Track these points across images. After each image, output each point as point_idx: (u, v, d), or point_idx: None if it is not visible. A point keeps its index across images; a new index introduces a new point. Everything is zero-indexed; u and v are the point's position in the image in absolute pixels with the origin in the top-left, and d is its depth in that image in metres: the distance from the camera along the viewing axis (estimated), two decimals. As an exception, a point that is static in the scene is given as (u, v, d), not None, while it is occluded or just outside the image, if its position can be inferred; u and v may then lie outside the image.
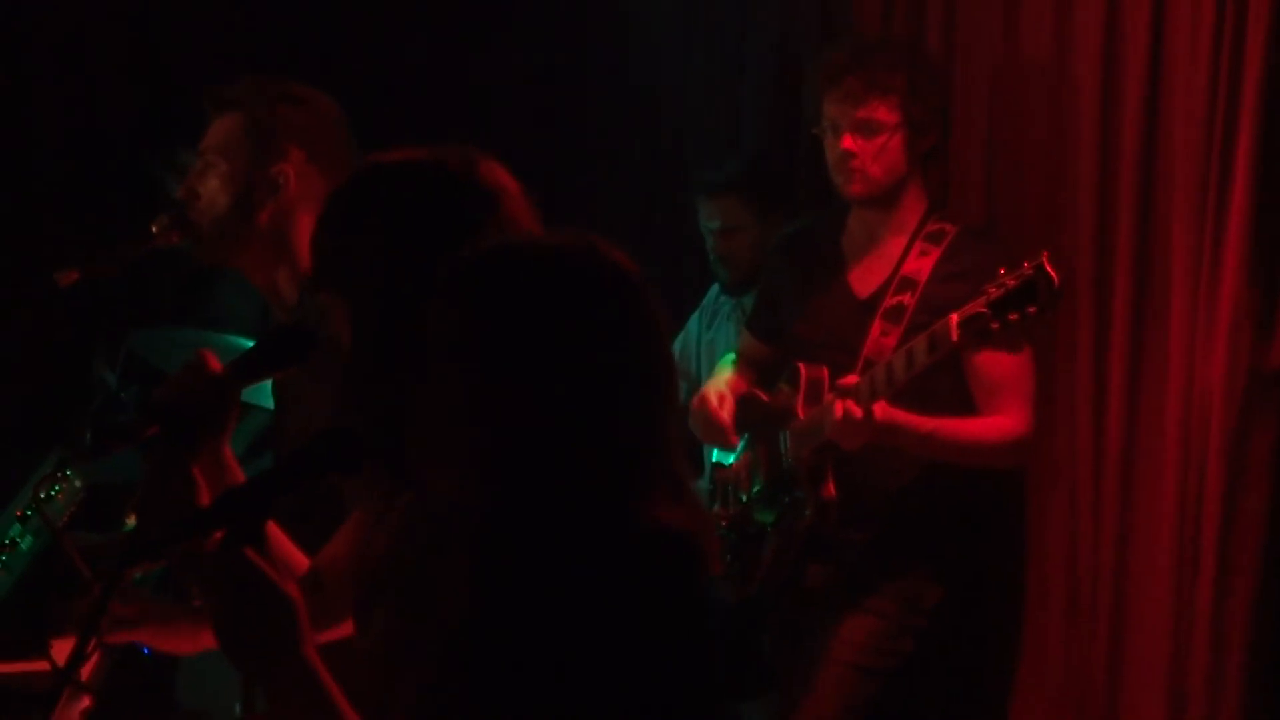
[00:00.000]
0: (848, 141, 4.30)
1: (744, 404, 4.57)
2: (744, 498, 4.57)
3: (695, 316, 5.57)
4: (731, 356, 4.83)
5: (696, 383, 5.41)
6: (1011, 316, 3.83)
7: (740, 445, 4.64)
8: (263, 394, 4.78)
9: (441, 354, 2.24)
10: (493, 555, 2.20)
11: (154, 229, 3.71)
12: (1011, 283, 3.84)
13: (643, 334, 2.26)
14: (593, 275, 2.26)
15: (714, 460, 4.79)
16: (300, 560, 2.89)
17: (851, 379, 4.12)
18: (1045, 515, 4.80)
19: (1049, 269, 3.81)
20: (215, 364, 2.78)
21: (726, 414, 4.55)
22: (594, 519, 2.18)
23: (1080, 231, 4.69)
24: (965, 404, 4.26)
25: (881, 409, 4.06)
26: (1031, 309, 3.81)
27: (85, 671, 3.32)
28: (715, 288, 5.50)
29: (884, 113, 4.28)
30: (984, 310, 3.86)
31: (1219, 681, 4.46)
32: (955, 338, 3.91)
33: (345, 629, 2.66)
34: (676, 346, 5.54)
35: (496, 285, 2.24)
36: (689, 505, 2.28)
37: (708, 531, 2.30)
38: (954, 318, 3.92)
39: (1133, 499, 4.67)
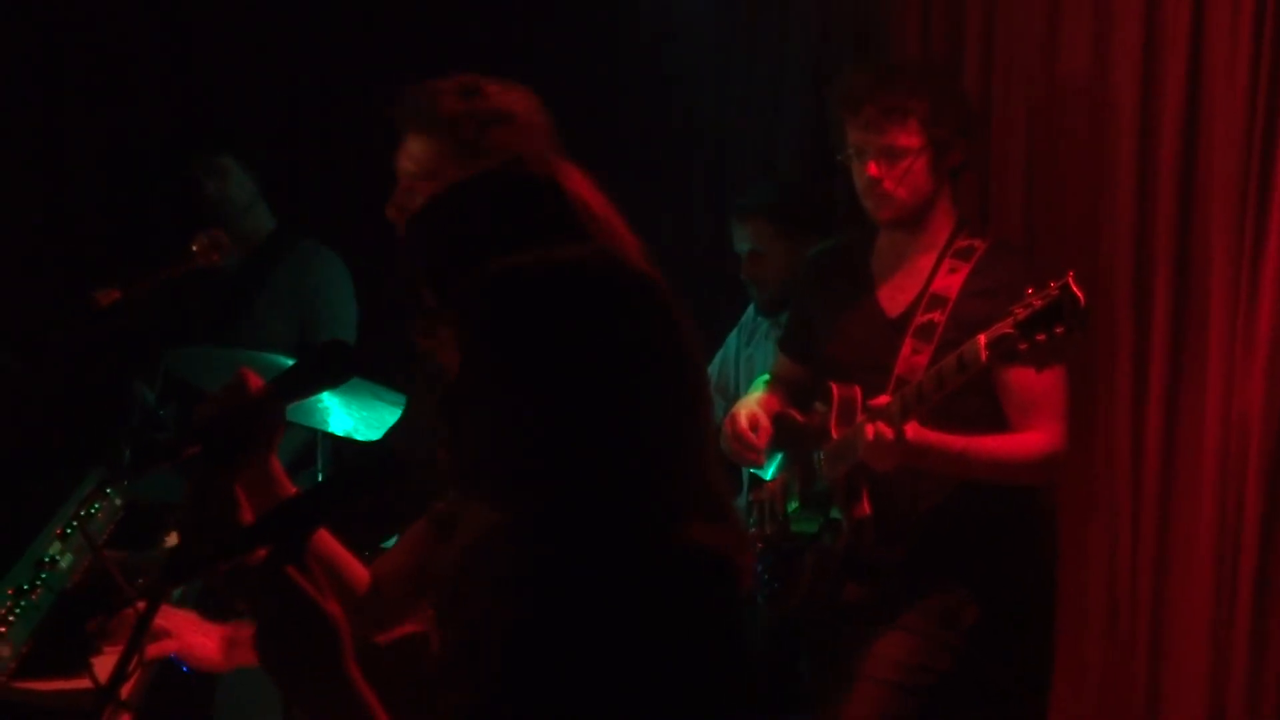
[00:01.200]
0: (872, 168, 4.30)
1: (778, 423, 4.57)
2: (780, 517, 4.57)
3: (734, 334, 5.59)
4: (765, 376, 4.83)
5: (735, 400, 5.41)
6: (1039, 337, 3.82)
7: (775, 464, 4.64)
8: (303, 411, 4.81)
9: (471, 371, 2.24)
10: (532, 575, 2.19)
11: (193, 248, 3.72)
12: (1038, 303, 3.83)
13: (671, 349, 2.26)
14: (618, 288, 2.25)
15: (752, 476, 4.79)
16: (359, 570, 2.89)
17: (883, 400, 4.12)
18: (1084, 537, 4.79)
19: (1075, 289, 3.79)
20: (256, 382, 2.78)
21: (760, 435, 4.54)
22: (629, 538, 2.17)
23: (1119, 250, 4.68)
24: (997, 422, 4.25)
25: (913, 430, 4.05)
26: (1059, 329, 3.80)
27: (125, 690, 3.32)
28: (751, 309, 5.52)
29: (905, 138, 4.28)
30: (1011, 331, 3.85)
31: (1257, 705, 4.44)
32: (984, 358, 3.91)
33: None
34: (715, 364, 5.55)
35: (520, 300, 2.23)
36: (727, 523, 2.27)
37: (745, 549, 2.29)
38: (982, 339, 3.91)
39: (1171, 522, 4.66)
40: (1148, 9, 4.64)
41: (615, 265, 2.27)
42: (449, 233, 2.54)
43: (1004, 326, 3.87)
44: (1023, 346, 3.84)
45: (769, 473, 4.71)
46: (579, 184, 2.57)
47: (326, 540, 2.81)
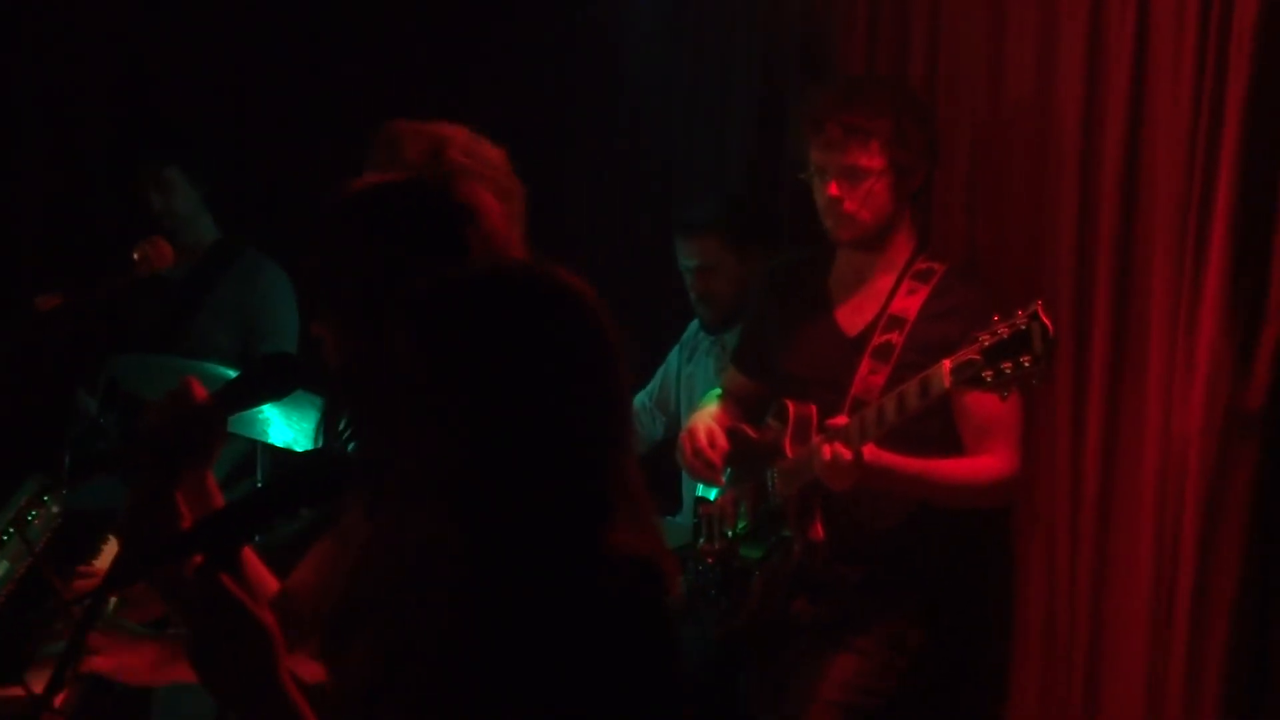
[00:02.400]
0: (834, 188, 4.30)
1: (730, 439, 4.57)
2: (730, 533, 4.56)
3: (675, 351, 5.58)
4: (717, 391, 4.83)
5: (676, 417, 5.42)
6: (1005, 365, 3.80)
7: (724, 480, 4.64)
8: (243, 422, 4.79)
9: (397, 385, 2.24)
10: (460, 587, 2.20)
11: (135, 256, 3.71)
12: (1005, 331, 3.80)
13: (597, 358, 2.27)
14: (542, 299, 2.26)
15: (698, 495, 4.79)
16: (270, 582, 2.89)
17: (841, 420, 4.12)
18: (1023, 555, 4.81)
19: (1044, 318, 3.78)
20: (200, 392, 2.78)
21: (715, 452, 4.53)
22: (555, 545, 2.18)
23: (1060, 271, 4.70)
24: (953, 445, 4.27)
25: (870, 451, 4.05)
26: (1025, 358, 3.78)
27: (59, 699, 3.30)
28: (695, 322, 5.51)
29: (867, 159, 4.28)
30: (977, 357, 3.83)
31: (1193, 718, 4.46)
32: (948, 384, 3.90)
33: (315, 672, 2.66)
34: (656, 380, 5.54)
35: (445, 314, 2.24)
36: (647, 530, 2.28)
37: (666, 556, 2.30)
38: (947, 364, 3.89)
39: (1110, 540, 4.68)
40: (1091, 33, 4.66)
41: (539, 275, 2.28)
42: (349, 242, 2.56)
43: (970, 353, 3.85)
44: (987, 374, 3.82)
45: (713, 492, 4.71)
46: (482, 201, 2.59)
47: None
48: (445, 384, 2.20)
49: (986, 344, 3.82)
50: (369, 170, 3.41)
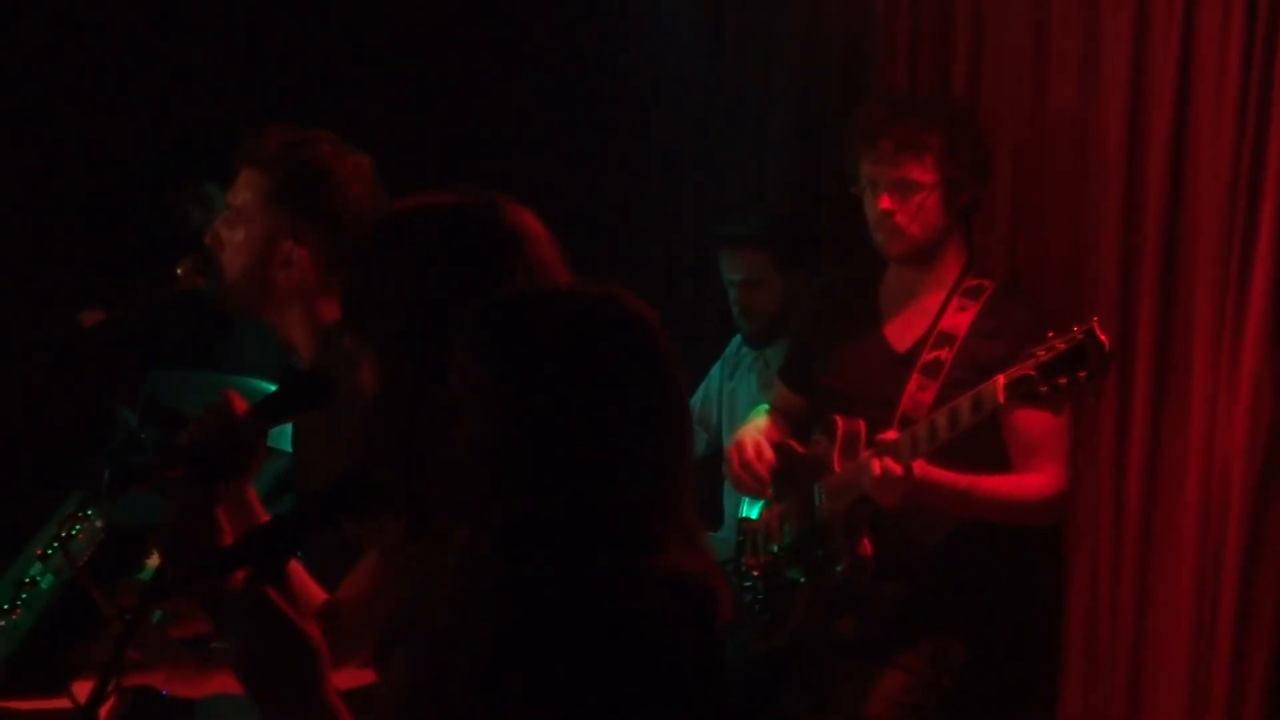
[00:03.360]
0: (885, 201, 4.29)
1: (777, 453, 4.55)
2: (775, 549, 4.55)
3: (717, 367, 5.58)
4: (764, 406, 4.82)
5: (717, 433, 5.41)
6: (1060, 380, 3.79)
7: (770, 494, 4.62)
8: (284, 438, 4.80)
9: (462, 399, 2.24)
10: (510, 604, 2.19)
11: (179, 271, 3.72)
12: (1061, 346, 3.80)
13: (662, 385, 2.26)
14: (615, 324, 2.26)
15: (741, 515, 4.78)
16: (318, 595, 2.89)
17: (891, 434, 4.11)
18: (1066, 571, 4.79)
19: (1099, 334, 3.78)
20: (240, 405, 2.79)
21: (764, 465, 4.52)
22: (611, 565, 2.17)
23: (1103, 287, 4.68)
24: (1002, 462, 4.25)
25: (920, 466, 4.04)
26: (1081, 374, 3.78)
27: (103, 711, 3.32)
28: (738, 338, 5.51)
29: (919, 173, 4.27)
30: (1032, 373, 3.83)
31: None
32: (1002, 399, 3.89)
33: (365, 675, 2.66)
34: (698, 397, 5.54)
35: (519, 331, 2.24)
36: (700, 552, 2.27)
37: (719, 578, 2.29)
38: (1001, 380, 3.88)
39: (1152, 556, 4.66)
40: (1135, 48, 4.64)
41: (606, 297, 2.28)
42: (394, 262, 2.55)
43: (1025, 368, 3.84)
44: (1043, 389, 3.82)
45: (755, 510, 4.70)
46: (530, 226, 2.58)
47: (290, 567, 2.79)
48: (505, 397, 2.19)
49: (1042, 359, 3.81)
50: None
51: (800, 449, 4.53)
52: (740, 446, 4.55)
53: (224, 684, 2.19)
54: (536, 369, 2.20)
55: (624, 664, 2.12)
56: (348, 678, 2.71)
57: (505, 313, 2.27)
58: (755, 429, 4.64)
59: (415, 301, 2.49)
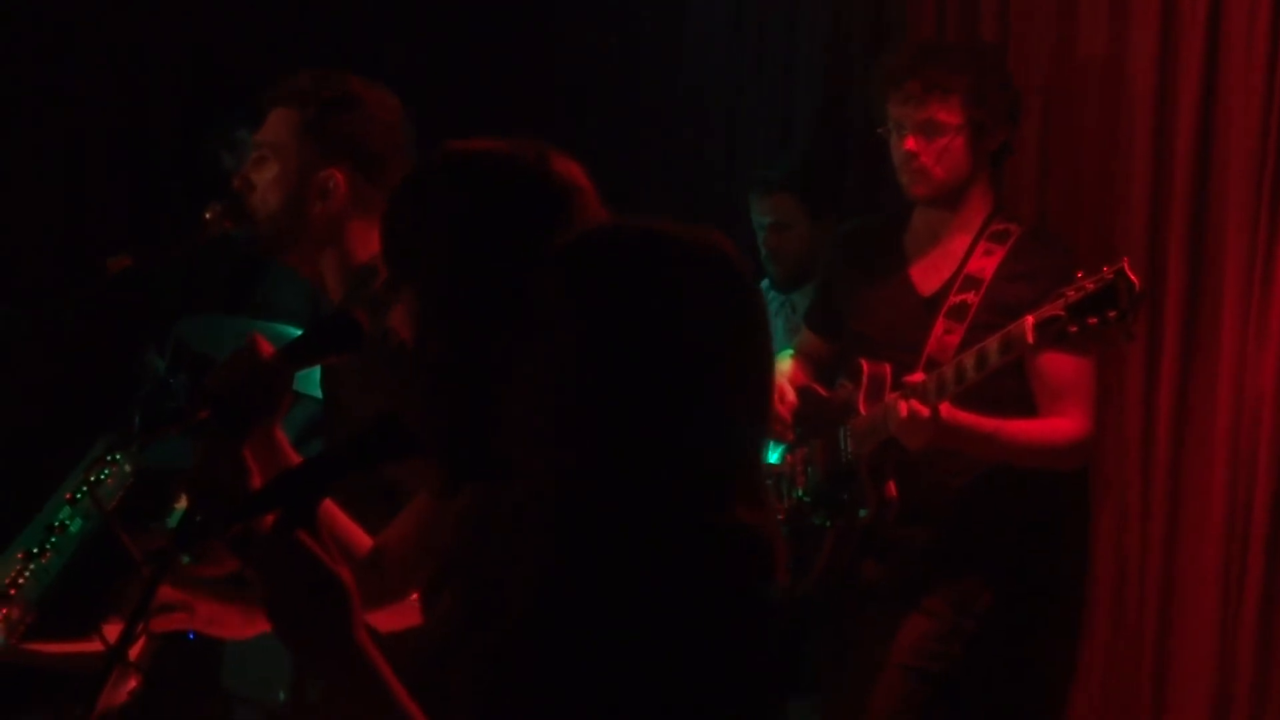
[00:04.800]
0: (910, 143, 4.28)
1: (801, 397, 4.55)
2: (799, 493, 4.55)
3: (744, 312, 5.57)
4: (789, 351, 4.82)
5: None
6: (1090, 320, 3.78)
7: (793, 437, 4.62)
8: (313, 383, 4.81)
9: (542, 332, 2.18)
10: (567, 544, 2.16)
11: (207, 216, 3.72)
12: (1091, 286, 3.79)
13: (751, 340, 2.21)
14: (715, 271, 2.20)
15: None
16: (362, 540, 2.88)
17: (918, 377, 4.10)
18: (1094, 517, 4.78)
19: (1130, 273, 3.77)
20: (267, 348, 2.78)
21: (785, 408, 4.52)
22: (675, 519, 2.14)
23: (1132, 233, 4.67)
24: (1027, 406, 4.24)
25: (947, 409, 4.04)
26: (1112, 313, 3.77)
27: (134, 652, 3.33)
28: (765, 283, 5.52)
29: (945, 114, 4.26)
30: (1061, 313, 3.81)
31: (1263, 690, 4.44)
32: (1031, 340, 3.88)
33: (410, 618, 2.66)
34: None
35: (614, 264, 2.18)
36: (765, 508, 2.24)
37: (779, 537, 2.26)
38: (1030, 320, 3.87)
39: (1180, 507, 4.65)
40: (1165, -6, 4.63)
41: (711, 243, 2.23)
42: (445, 207, 2.53)
43: (1054, 308, 3.83)
44: (1073, 329, 3.81)
45: (774, 454, 4.70)
46: (578, 176, 2.57)
47: (329, 508, 2.79)
48: (594, 336, 2.13)
49: (1071, 299, 3.80)
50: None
51: (824, 393, 4.52)
52: None
53: (260, 626, 2.18)
54: (629, 305, 2.15)
55: (674, 618, 2.09)
56: (394, 619, 2.72)
57: (602, 244, 2.21)
58: (778, 373, 4.64)
59: (464, 243, 2.47)
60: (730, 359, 2.18)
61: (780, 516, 4.57)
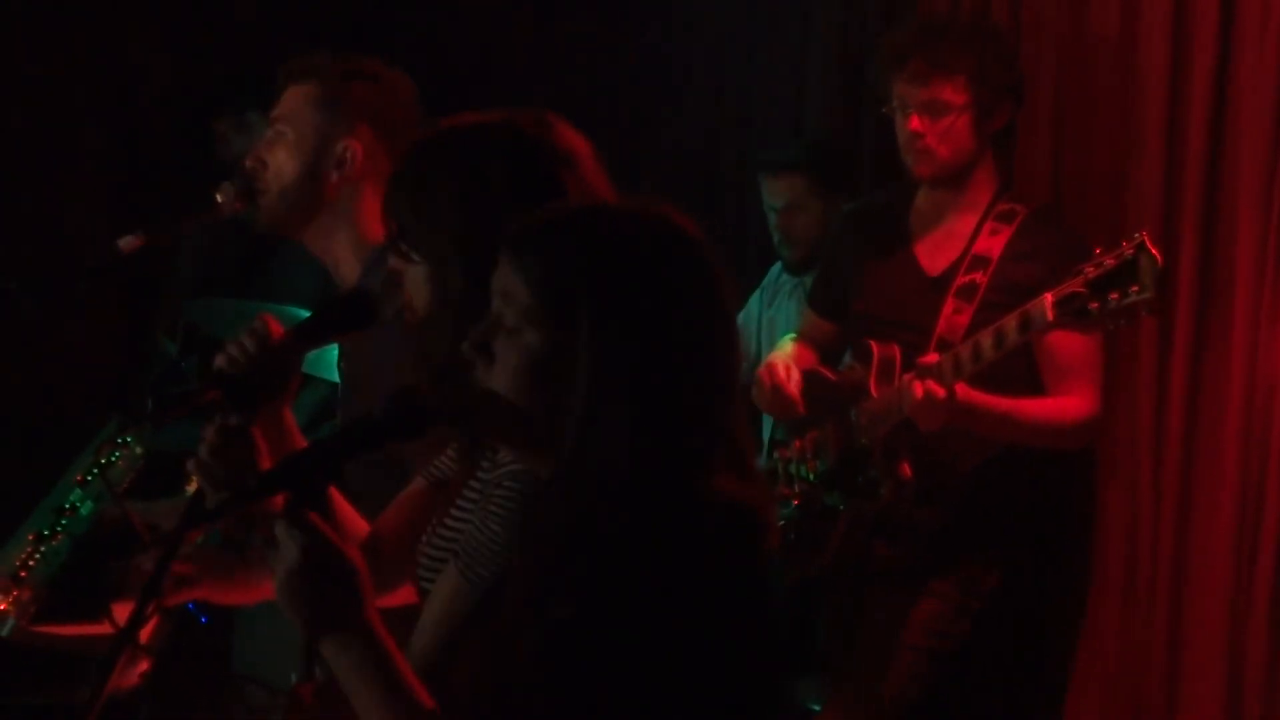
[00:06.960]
0: (915, 122, 4.28)
1: (808, 380, 4.54)
2: (811, 476, 4.53)
3: (757, 295, 5.58)
4: (791, 334, 4.81)
5: (756, 360, 5.39)
6: (1112, 296, 3.76)
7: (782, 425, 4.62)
8: (324, 365, 4.81)
9: (512, 313, 2.22)
10: (557, 520, 2.18)
11: (219, 197, 3.71)
12: (1111, 262, 3.76)
13: (712, 304, 2.25)
14: (668, 241, 2.24)
15: (772, 438, 4.77)
16: (360, 526, 2.89)
17: (933, 358, 4.09)
18: (1105, 501, 4.78)
19: (1151, 248, 3.75)
20: (277, 329, 2.78)
21: (794, 386, 4.51)
22: (659, 486, 2.16)
23: (1145, 211, 4.66)
24: (1032, 388, 4.23)
25: (962, 389, 4.03)
26: (1134, 288, 3.74)
27: (144, 634, 3.33)
28: (777, 266, 5.51)
29: (949, 93, 4.25)
30: (1082, 290, 3.79)
31: (1275, 668, 4.44)
32: (1051, 317, 3.86)
33: (407, 595, 2.66)
34: (738, 323, 5.52)
35: (573, 244, 2.22)
36: (751, 479, 2.26)
37: (769, 506, 2.28)
38: (1049, 297, 3.84)
39: (1192, 486, 4.65)
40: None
41: (660, 214, 2.26)
42: (445, 179, 2.56)
43: (1074, 285, 3.81)
44: (1093, 305, 3.78)
45: (779, 433, 4.69)
46: (578, 146, 2.60)
47: (330, 493, 2.80)
48: (555, 311, 2.18)
49: (1091, 275, 3.78)
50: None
51: (832, 375, 4.51)
52: (771, 369, 4.54)
53: (268, 590, 2.18)
54: (585, 283, 2.19)
55: (668, 587, 2.11)
56: (391, 596, 2.72)
57: (552, 226, 2.26)
58: (784, 355, 4.64)
59: (470, 214, 2.51)
60: (690, 321, 2.22)
61: (795, 501, 4.57)
